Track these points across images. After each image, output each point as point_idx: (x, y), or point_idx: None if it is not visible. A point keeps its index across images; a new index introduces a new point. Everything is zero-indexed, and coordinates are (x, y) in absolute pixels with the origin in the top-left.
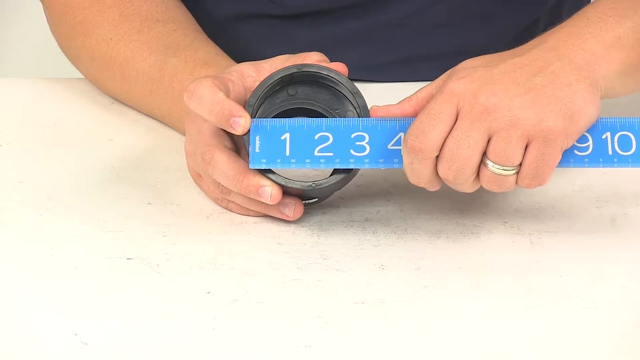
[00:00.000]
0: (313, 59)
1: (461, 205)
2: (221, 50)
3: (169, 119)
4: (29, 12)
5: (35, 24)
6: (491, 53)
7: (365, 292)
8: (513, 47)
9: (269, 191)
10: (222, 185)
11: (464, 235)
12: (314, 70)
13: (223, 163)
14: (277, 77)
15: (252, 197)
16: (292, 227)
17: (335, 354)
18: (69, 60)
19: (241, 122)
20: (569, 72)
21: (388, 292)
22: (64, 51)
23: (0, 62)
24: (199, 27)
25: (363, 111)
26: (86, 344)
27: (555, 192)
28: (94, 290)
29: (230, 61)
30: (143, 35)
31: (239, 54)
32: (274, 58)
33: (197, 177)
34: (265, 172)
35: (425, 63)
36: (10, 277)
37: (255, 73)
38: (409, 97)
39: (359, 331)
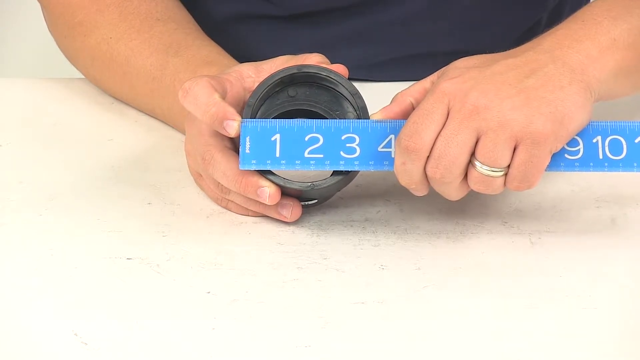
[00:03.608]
0: (313, 60)
1: (461, 205)
2: (223, 50)
3: (170, 118)
4: (29, 12)
5: (35, 24)
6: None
7: (365, 292)
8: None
9: (267, 191)
10: (222, 185)
11: (464, 235)
12: (314, 71)
13: (222, 163)
14: (277, 78)
15: (251, 197)
16: (292, 227)
17: (335, 354)
18: (68, 60)
19: (234, 126)
20: (562, 75)
21: (388, 292)
22: (63, 51)
23: (0, 62)
24: (199, 27)
25: (363, 112)
26: (86, 344)
27: (555, 192)
28: (94, 290)
29: (232, 60)
30: (143, 34)
31: (239, 55)
32: (275, 59)
33: (198, 177)
34: (264, 173)
35: (426, 63)
36: (10, 277)
37: (255, 74)
38: (402, 92)
39: (359, 331)
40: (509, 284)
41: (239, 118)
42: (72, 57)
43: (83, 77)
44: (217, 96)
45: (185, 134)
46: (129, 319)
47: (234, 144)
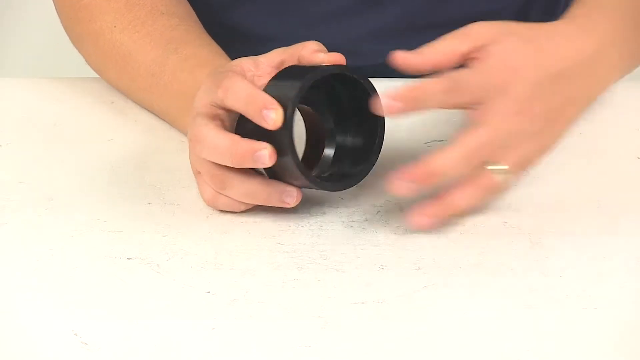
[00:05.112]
0: (310, 48)
1: None
2: (222, 50)
3: (167, 116)
4: (29, 12)
5: (35, 24)
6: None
7: (365, 292)
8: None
9: (266, 153)
10: (216, 178)
11: (464, 235)
12: (355, 76)
13: (211, 136)
14: (318, 77)
15: (248, 165)
16: (292, 227)
17: (335, 354)
18: (72, 43)
19: (272, 116)
20: None
21: (388, 292)
22: (67, 33)
23: (0, 62)
24: (200, 25)
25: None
26: (86, 344)
27: (555, 192)
28: (94, 290)
29: (230, 61)
30: (147, 27)
31: (248, 33)
32: (270, 52)
33: (197, 175)
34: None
35: (434, 31)
36: (10, 277)
37: (254, 67)
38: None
39: (359, 331)
40: (508, 284)
41: (279, 108)
42: (75, 41)
43: (83, 77)
44: (256, 88)
45: (183, 132)
46: (129, 319)
47: (230, 126)
